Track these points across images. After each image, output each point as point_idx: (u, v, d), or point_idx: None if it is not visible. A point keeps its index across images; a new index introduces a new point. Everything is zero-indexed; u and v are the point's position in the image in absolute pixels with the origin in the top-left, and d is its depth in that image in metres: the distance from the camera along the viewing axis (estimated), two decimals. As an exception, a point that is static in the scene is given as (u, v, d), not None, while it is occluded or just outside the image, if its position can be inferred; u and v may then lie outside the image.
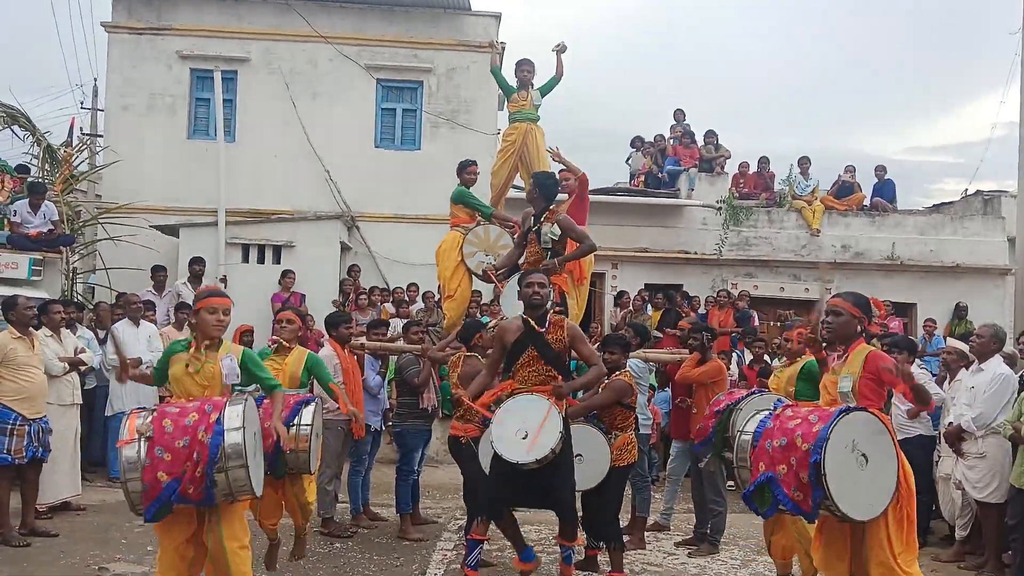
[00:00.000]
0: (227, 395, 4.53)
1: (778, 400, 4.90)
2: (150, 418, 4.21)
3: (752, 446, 4.34)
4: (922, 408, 4.43)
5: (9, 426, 6.88)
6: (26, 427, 6.96)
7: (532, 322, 5.27)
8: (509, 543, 5.56)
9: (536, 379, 5.25)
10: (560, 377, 5.35)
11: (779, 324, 14.06)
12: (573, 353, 5.56)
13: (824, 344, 4.78)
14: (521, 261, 6.80)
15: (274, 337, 6.27)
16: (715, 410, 6.16)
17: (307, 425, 5.34)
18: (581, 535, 5.91)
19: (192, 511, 4.39)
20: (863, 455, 4.17)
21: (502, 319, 7.58)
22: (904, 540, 4.31)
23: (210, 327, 4.57)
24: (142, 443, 4.13)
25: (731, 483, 9.62)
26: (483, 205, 7.78)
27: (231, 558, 4.44)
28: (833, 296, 4.80)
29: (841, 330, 4.49)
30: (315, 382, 6.30)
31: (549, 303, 5.53)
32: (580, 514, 6.59)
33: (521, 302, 5.55)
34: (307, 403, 5.51)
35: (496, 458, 5.14)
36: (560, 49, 8.21)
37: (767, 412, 4.50)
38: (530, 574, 5.42)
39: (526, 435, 4.95)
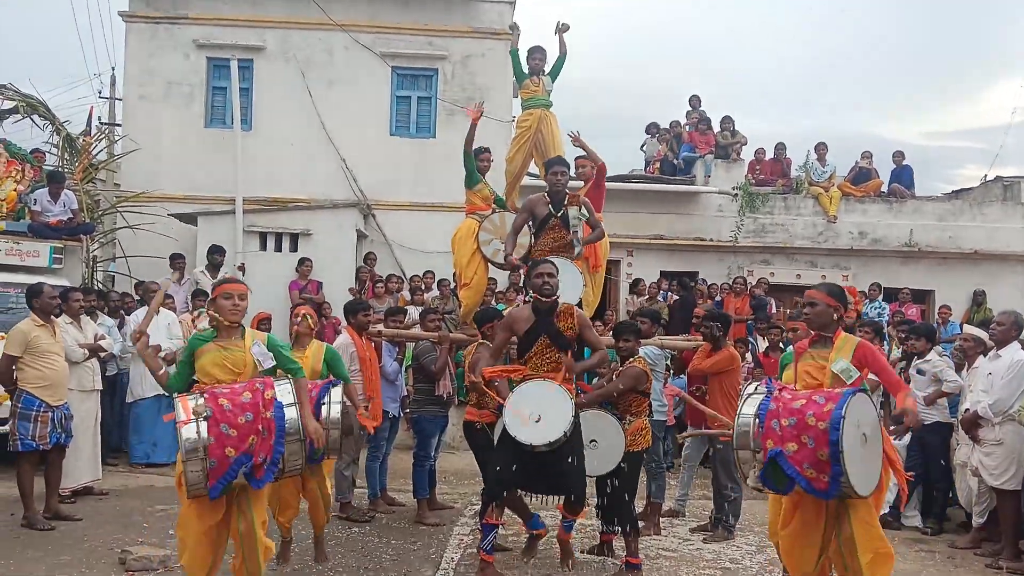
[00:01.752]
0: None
1: (768, 380, 4.92)
2: (202, 399, 4.29)
3: (759, 427, 4.42)
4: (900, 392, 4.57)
5: (33, 412, 7.01)
6: (49, 414, 7.08)
7: (544, 302, 5.34)
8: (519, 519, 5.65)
9: (548, 366, 5.36)
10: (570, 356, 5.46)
11: (795, 311, 14.03)
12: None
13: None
14: (547, 247, 6.79)
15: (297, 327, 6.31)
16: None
17: (338, 403, 5.43)
18: (586, 512, 6.06)
19: (222, 497, 4.45)
20: (864, 434, 4.36)
21: (518, 307, 7.62)
22: (876, 502, 4.56)
23: (226, 312, 4.65)
24: (201, 423, 4.20)
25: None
26: (475, 172, 7.79)
27: (260, 542, 4.58)
28: (809, 288, 4.95)
29: (818, 319, 4.70)
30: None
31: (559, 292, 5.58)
32: (596, 500, 6.66)
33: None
34: (334, 384, 5.59)
35: (506, 441, 5.21)
36: (562, 29, 8.19)
37: (764, 394, 4.59)
38: (539, 539, 5.50)
39: (539, 419, 5.08)
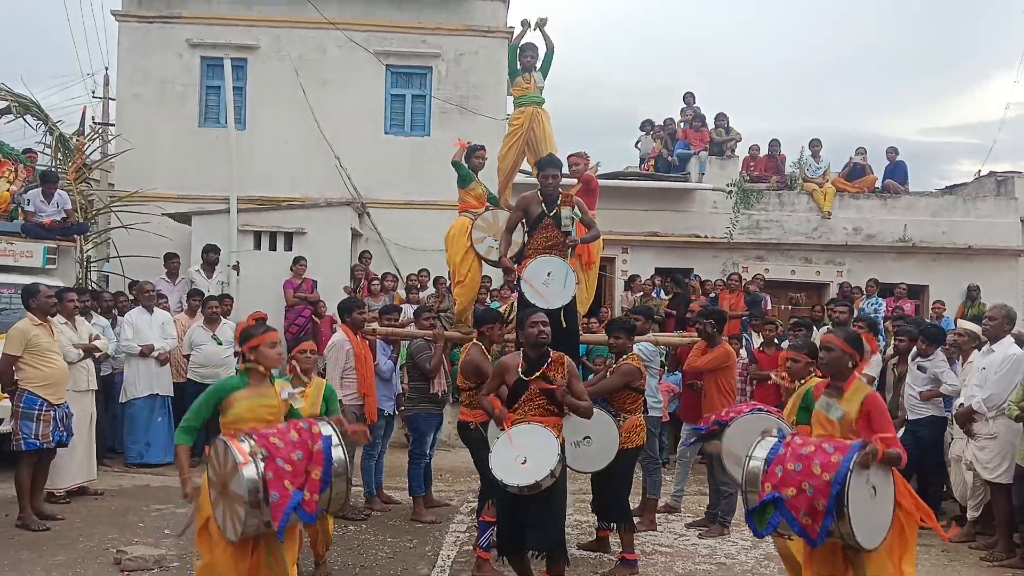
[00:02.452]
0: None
1: (780, 427, 4.91)
2: (254, 439, 4.26)
3: (765, 472, 4.40)
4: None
5: (36, 412, 7.02)
6: (52, 412, 7.10)
7: (523, 374, 5.30)
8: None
9: (535, 412, 5.26)
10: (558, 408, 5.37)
11: (789, 307, 14.06)
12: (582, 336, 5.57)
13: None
14: (539, 246, 6.75)
15: (293, 364, 6.04)
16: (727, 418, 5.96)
17: (339, 444, 5.41)
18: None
19: (250, 541, 4.39)
20: (873, 487, 4.30)
21: (512, 304, 7.61)
22: (901, 543, 4.48)
23: (272, 359, 4.62)
24: (259, 461, 4.19)
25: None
26: (469, 174, 7.80)
27: None
28: (826, 332, 4.93)
29: (832, 365, 4.65)
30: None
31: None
32: (591, 496, 6.67)
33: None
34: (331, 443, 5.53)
35: (501, 491, 5.17)
36: (540, 23, 8.17)
37: (776, 439, 4.56)
38: None
39: (525, 460, 5.02)
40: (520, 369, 5.32)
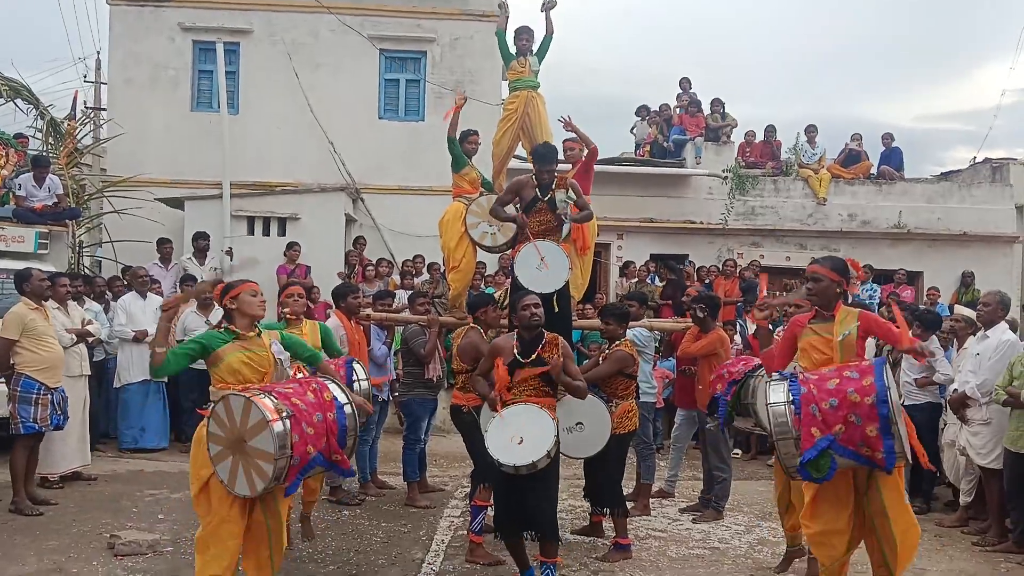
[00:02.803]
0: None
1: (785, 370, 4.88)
2: (274, 396, 4.25)
3: (795, 415, 4.28)
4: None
5: (34, 395, 7.02)
6: (49, 396, 7.11)
7: (520, 356, 5.30)
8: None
9: (529, 393, 5.29)
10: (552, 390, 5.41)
11: (784, 293, 14.06)
12: (577, 322, 5.55)
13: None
14: (533, 230, 6.69)
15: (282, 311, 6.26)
16: (729, 379, 6.06)
17: (364, 380, 5.68)
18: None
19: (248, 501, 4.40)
20: (899, 405, 4.35)
21: (507, 290, 7.59)
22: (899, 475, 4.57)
23: (255, 307, 4.57)
24: (285, 420, 4.19)
25: (737, 451, 9.74)
26: (462, 157, 7.72)
27: (283, 536, 4.64)
28: (811, 263, 4.91)
29: (822, 295, 4.70)
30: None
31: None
32: (584, 481, 6.67)
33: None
34: (353, 360, 5.80)
35: (497, 471, 5.18)
36: (549, 6, 8.11)
37: (789, 380, 4.46)
38: None
39: (521, 440, 5.04)
40: (515, 351, 5.32)
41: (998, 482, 6.83)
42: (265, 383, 4.49)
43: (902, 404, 7.67)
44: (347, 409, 4.54)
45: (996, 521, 6.91)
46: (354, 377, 5.61)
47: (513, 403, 5.25)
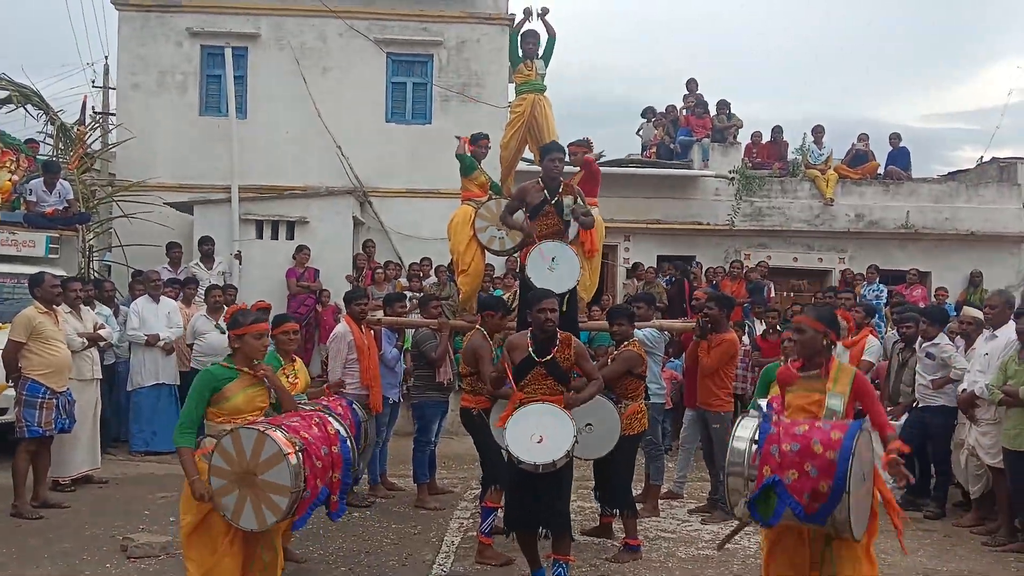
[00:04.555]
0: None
1: (762, 405, 4.70)
2: (284, 430, 4.28)
3: (755, 452, 4.08)
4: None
5: (39, 399, 7.06)
6: (54, 400, 7.14)
7: (534, 354, 5.37)
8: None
9: (543, 392, 5.35)
10: (566, 388, 5.48)
11: (792, 294, 14.06)
12: (585, 323, 5.59)
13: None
14: (540, 234, 6.73)
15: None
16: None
17: (365, 420, 5.62)
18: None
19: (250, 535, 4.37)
20: (863, 473, 4.07)
21: (516, 292, 7.61)
22: (869, 552, 4.29)
23: (258, 351, 4.58)
24: (299, 453, 4.24)
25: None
26: (472, 163, 7.77)
27: (274, 567, 4.60)
28: (797, 314, 4.76)
29: (807, 347, 4.40)
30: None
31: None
32: (593, 483, 6.70)
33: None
34: (351, 402, 5.64)
35: (515, 476, 5.23)
36: (542, 13, 8.15)
37: (761, 418, 4.24)
38: None
39: (540, 439, 5.10)
40: (530, 348, 5.37)
41: (1007, 482, 6.83)
42: (260, 417, 4.49)
43: (918, 408, 7.72)
44: (348, 443, 4.64)
45: (1006, 521, 6.91)
46: (360, 418, 5.49)
47: (530, 401, 5.29)
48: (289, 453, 4.17)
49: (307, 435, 4.38)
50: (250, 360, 4.55)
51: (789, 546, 4.34)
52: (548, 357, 5.35)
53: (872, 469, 4.22)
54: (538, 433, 5.10)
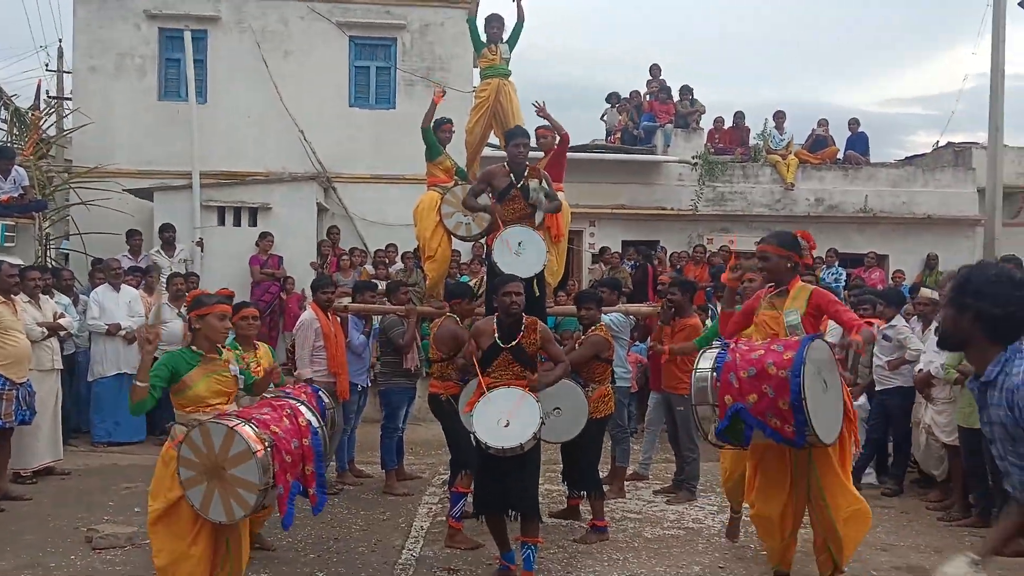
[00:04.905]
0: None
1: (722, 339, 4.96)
2: (254, 424, 4.23)
3: (715, 381, 4.38)
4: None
5: None
6: (14, 392, 7.02)
7: (500, 340, 5.37)
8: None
9: (509, 376, 5.38)
10: (532, 372, 5.48)
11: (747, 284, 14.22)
12: (551, 308, 5.62)
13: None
14: (507, 218, 6.75)
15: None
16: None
17: (333, 407, 5.47)
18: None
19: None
20: (824, 381, 4.33)
21: (482, 278, 7.63)
22: (843, 459, 4.62)
23: (219, 333, 4.52)
24: (268, 449, 4.19)
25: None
26: (437, 146, 7.75)
27: (239, 555, 4.54)
28: (759, 242, 4.98)
29: (773, 272, 4.75)
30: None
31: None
32: (560, 466, 6.77)
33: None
34: (317, 389, 5.52)
35: (480, 451, 5.25)
36: None
37: (719, 348, 4.56)
38: (509, 573, 5.48)
39: (507, 423, 5.12)
40: (495, 335, 5.39)
41: (961, 459, 7.03)
42: (228, 404, 4.46)
43: (874, 390, 7.91)
44: (320, 434, 4.58)
45: (960, 497, 7.11)
46: (325, 405, 5.36)
47: (496, 386, 5.32)
48: (258, 451, 4.13)
49: (277, 429, 4.34)
50: (212, 344, 4.50)
51: (771, 466, 4.59)
52: (514, 342, 5.38)
53: (837, 377, 4.49)
54: (504, 417, 5.13)
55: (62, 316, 8.11)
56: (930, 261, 14.20)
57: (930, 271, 13.98)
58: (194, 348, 4.47)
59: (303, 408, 4.62)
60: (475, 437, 5.24)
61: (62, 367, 8.22)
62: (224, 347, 4.71)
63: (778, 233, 5.02)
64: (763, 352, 4.34)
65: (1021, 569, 4.52)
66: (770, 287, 4.82)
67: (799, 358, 4.18)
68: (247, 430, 4.17)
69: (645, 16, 56.92)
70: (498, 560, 5.55)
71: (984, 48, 14.08)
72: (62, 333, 8.12)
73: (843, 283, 12.64)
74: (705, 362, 4.52)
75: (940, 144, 17.11)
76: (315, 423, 4.59)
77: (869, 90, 54.12)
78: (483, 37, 8.11)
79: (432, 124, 7.74)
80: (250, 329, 5.99)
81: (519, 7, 8.13)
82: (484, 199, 6.86)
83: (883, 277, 13.52)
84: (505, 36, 8.06)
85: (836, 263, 13.37)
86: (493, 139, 8.71)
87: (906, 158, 17.65)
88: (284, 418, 4.47)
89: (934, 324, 7.57)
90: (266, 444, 4.19)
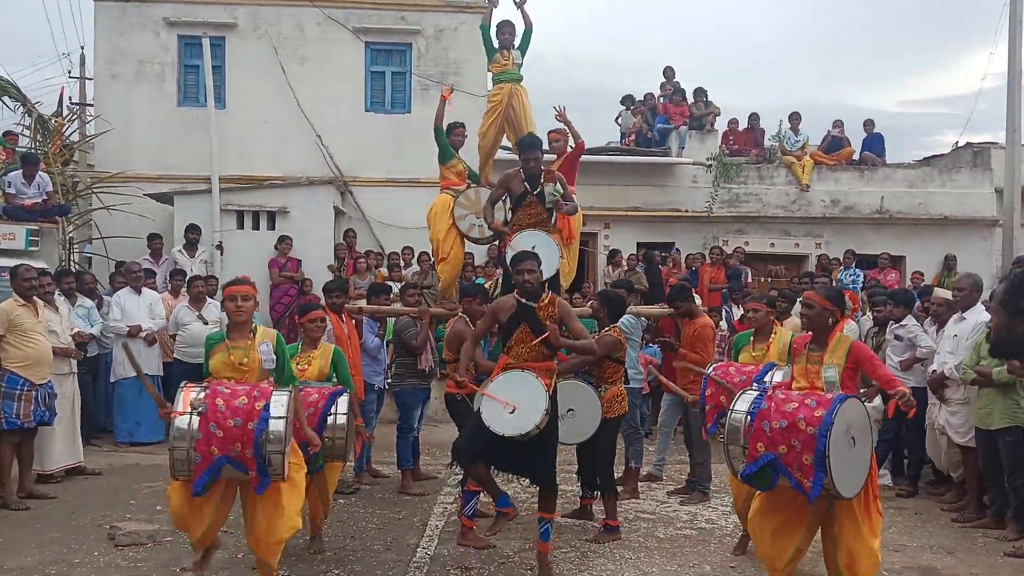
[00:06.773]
0: (269, 382, 4.84)
1: (763, 383, 5.06)
2: (203, 394, 4.52)
3: (748, 426, 4.54)
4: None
5: (17, 391, 7.07)
6: (33, 392, 7.15)
7: (524, 300, 5.40)
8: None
9: (529, 355, 5.38)
10: (552, 353, 5.48)
11: (769, 279, 14.25)
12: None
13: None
14: (523, 223, 6.86)
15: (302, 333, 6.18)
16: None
17: (343, 413, 5.60)
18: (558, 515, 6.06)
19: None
20: (852, 438, 4.45)
21: (497, 280, 7.72)
22: (869, 510, 4.66)
23: (231, 314, 4.91)
24: (194, 417, 4.46)
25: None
26: (449, 149, 7.88)
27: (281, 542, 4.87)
28: (807, 289, 5.06)
29: (814, 322, 4.82)
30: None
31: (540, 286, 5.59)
32: (575, 467, 6.83)
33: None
34: (340, 393, 5.70)
35: (483, 424, 5.30)
36: (519, 2, 8.22)
37: (758, 392, 4.70)
38: (510, 519, 5.54)
39: (514, 410, 5.14)
40: (518, 298, 5.42)
41: (976, 460, 7.03)
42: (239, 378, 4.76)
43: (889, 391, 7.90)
44: (273, 424, 4.53)
45: (974, 498, 7.11)
46: (332, 410, 5.56)
47: (511, 367, 5.35)
48: (176, 412, 4.50)
49: (222, 401, 4.51)
50: (233, 324, 4.91)
51: (787, 507, 4.65)
52: (532, 309, 5.36)
53: (866, 433, 4.56)
54: (512, 403, 5.16)
55: (73, 329, 8.28)
56: (948, 262, 14.11)
57: (948, 272, 13.89)
58: (225, 329, 4.95)
59: (275, 397, 4.62)
60: (479, 415, 5.26)
61: (78, 371, 8.31)
62: (253, 328, 4.97)
63: (827, 287, 5.17)
64: (797, 405, 4.46)
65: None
66: (808, 337, 4.88)
67: (828, 419, 4.32)
68: (189, 392, 4.57)
69: (661, 20, 56.88)
70: (494, 507, 5.51)
71: (1002, 49, 14.01)
72: (86, 342, 8.29)
73: (860, 285, 12.60)
74: (742, 404, 4.67)
75: (959, 145, 17.00)
76: (275, 412, 4.55)
77: (889, 91, 53.74)
78: (495, 43, 8.21)
79: (445, 128, 7.84)
80: (316, 331, 6.12)
81: (524, 15, 8.23)
82: (499, 216, 7.01)
83: (898, 278, 13.48)
84: (516, 42, 8.15)
85: (853, 264, 13.34)
86: (506, 143, 8.79)
87: (924, 159, 17.52)
88: (243, 396, 4.58)
89: (947, 324, 7.57)
90: (196, 410, 4.48)
